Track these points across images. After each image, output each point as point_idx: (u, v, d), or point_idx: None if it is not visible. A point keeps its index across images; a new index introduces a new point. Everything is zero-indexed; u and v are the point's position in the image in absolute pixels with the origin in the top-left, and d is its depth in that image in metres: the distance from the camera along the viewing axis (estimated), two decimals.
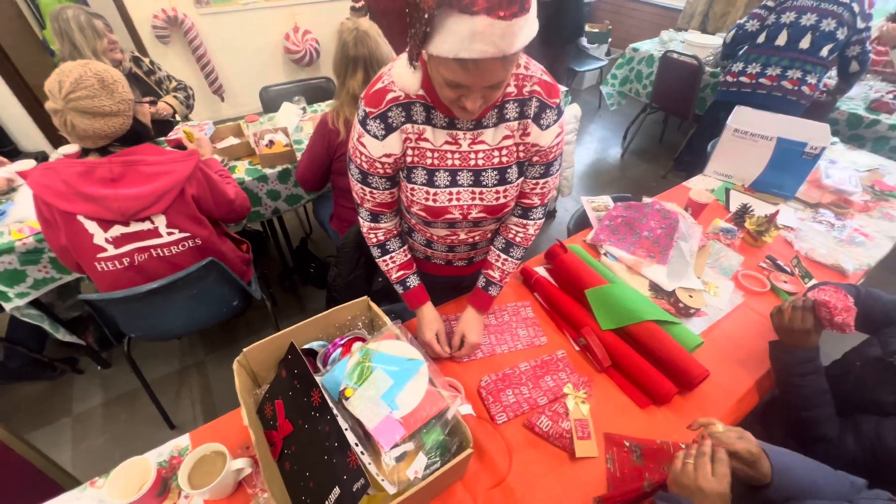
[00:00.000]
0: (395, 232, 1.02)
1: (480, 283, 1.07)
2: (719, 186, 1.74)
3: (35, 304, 1.67)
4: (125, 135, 1.20)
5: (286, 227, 2.20)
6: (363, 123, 0.83)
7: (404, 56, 0.68)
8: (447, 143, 0.85)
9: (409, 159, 0.86)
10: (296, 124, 2.10)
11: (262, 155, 1.79)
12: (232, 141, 1.93)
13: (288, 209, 1.98)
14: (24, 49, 2.78)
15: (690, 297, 1.19)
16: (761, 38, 2.34)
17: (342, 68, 1.49)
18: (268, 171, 1.81)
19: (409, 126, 0.82)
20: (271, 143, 1.87)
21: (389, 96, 0.80)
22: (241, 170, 1.81)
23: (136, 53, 2.07)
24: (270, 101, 2.52)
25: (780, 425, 1.10)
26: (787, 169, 1.60)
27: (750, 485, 0.71)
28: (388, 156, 0.85)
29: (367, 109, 0.81)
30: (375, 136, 0.82)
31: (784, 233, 1.49)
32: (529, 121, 0.84)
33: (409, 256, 1.05)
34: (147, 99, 1.30)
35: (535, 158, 0.90)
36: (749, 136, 1.62)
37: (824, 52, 2.16)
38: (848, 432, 0.93)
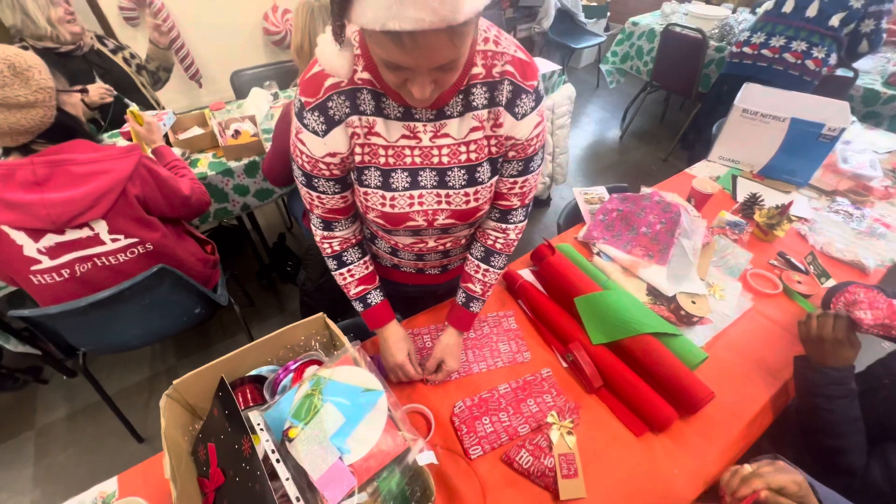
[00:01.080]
0: (354, 241, 0.88)
1: (460, 298, 0.94)
2: (725, 173, 1.59)
3: None
4: (51, 130, 1.06)
5: (258, 223, 2.06)
6: (300, 116, 0.68)
7: (330, 31, 0.54)
8: (404, 137, 0.71)
9: (358, 158, 0.72)
10: (266, 112, 1.93)
11: (226, 146, 1.64)
12: (196, 131, 1.78)
13: (259, 205, 1.83)
14: None
15: (693, 303, 1.06)
16: (769, 4, 2.15)
17: (307, 50, 1.35)
18: (233, 163, 1.66)
19: (355, 118, 0.68)
20: (237, 133, 1.72)
21: (328, 82, 0.65)
22: (205, 163, 1.66)
23: (101, 34, 1.90)
24: (243, 87, 2.33)
25: (792, 445, 0.99)
26: (801, 153, 1.44)
27: None
28: (332, 155, 0.70)
29: (304, 99, 0.66)
30: (315, 132, 0.68)
31: (797, 225, 1.35)
32: (501, 108, 0.70)
33: (370, 269, 0.91)
34: (77, 87, 1.15)
35: (512, 154, 0.76)
36: (759, 117, 1.46)
37: (834, 21, 1.96)
38: (874, 463, 0.81)
